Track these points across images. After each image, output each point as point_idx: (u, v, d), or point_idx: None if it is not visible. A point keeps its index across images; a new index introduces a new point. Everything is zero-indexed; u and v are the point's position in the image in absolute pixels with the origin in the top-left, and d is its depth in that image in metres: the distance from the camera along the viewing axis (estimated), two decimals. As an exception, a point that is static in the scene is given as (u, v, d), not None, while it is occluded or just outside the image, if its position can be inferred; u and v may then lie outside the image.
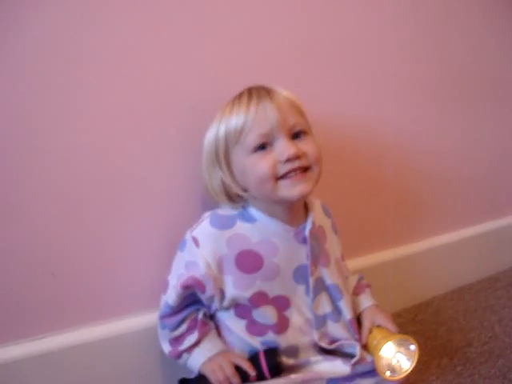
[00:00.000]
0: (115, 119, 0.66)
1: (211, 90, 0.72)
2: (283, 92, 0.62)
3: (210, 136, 0.63)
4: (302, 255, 0.66)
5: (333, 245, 0.73)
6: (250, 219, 0.64)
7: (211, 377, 0.61)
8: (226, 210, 0.65)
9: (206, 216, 0.64)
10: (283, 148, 0.59)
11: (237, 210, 0.65)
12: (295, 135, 0.61)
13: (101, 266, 0.68)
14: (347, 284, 0.73)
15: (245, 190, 0.63)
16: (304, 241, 0.66)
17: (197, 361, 0.64)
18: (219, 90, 0.69)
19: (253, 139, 0.59)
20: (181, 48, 0.69)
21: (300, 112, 0.63)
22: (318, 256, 0.68)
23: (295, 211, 0.66)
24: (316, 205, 0.72)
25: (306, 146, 0.61)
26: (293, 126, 0.60)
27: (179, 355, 0.64)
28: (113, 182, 0.68)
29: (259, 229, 0.64)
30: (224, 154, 0.62)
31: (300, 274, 0.66)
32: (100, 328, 0.69)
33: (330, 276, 0.68)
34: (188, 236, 0.64)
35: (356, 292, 0.75)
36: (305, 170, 0.60)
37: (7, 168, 0.61)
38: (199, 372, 0.63)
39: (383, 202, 0.98)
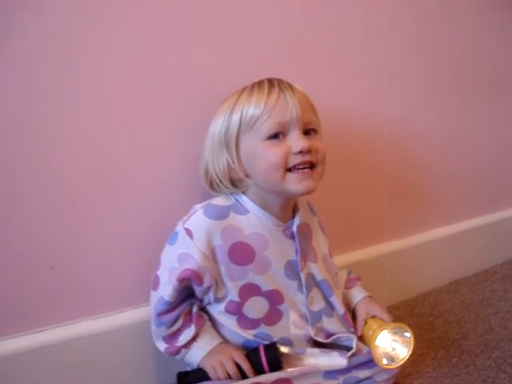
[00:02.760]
0: (113, 118, 0.67)
1: (209, 88, 0.72)
2: (301, 89, 0.64)
3: (220, 118, 0.63)
4: (291, 250, 0.67)
5: (319, 242, 0.73)
6: (243, 211, 0.65)
7: (211, 373, 0.62)
8: (219, 201, 0.65)
9: (199, 207, 0.64)
10: (297, 140, 0.59)
11: (230, 201, 0.65)
12: (307, 132, 0.62)
13: (100, 260, 0.69)
14: (336, 280, 0.74)
15: (247, 176, 0.63)
16: (292, 236, 0.67)
17: (196, 355, 0.64)
18: (217, 87, 0.70)
19: (269, 127, 0.59)
20: (179, 47, 0.70)
21: (314, 111, 0.65)
22: (306, 252, 0.69)
23: (288, 207, 0.67)
24: (302, 202, 0.73)
25: (315, 143, 0.62)
26: (308, 122, 0.62)
27: (177, 351, 0.64)
28: (111, 177, 0.68)
29: (251, 221, 0.64)
30: (236, 138, 0.62)
31: (291, 270, 0.66)
32: (99, 321, 0.69)
33: (319, 272, 0.69)
34: (179, 228, 0.63)
35: (348, 286, 0.76)
36: (312, 166, 0.61)
37: (6, 164, 0.61)
38: (198, 366, 0.64)
39: (380, 195, 0.98)
